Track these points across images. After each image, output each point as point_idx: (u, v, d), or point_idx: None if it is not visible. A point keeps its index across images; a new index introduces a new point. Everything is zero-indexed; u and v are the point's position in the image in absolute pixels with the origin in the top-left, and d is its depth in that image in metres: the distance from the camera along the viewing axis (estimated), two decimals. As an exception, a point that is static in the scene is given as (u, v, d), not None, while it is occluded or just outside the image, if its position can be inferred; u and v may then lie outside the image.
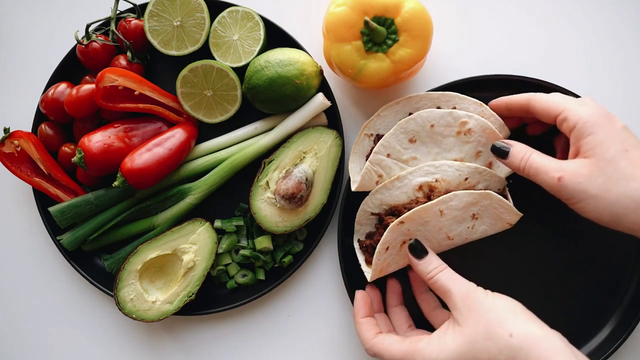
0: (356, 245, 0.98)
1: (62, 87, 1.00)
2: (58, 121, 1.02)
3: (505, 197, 0.95)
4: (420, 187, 0.93)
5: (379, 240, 0.91)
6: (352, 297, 0.97)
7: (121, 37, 0.99)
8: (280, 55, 0.96)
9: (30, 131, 1.02)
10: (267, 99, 0.96)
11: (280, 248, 1.01)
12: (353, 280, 0.99)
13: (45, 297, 1.06)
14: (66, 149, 1.01)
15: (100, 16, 1.03)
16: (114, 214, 1.00)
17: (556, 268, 0.99)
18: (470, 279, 0.85)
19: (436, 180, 0.93)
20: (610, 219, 0.80)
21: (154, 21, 0.99)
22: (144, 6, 1.01)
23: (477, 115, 0.94)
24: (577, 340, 0.98)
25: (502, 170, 0.96)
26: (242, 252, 1.00)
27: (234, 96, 1.00)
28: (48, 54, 1.06)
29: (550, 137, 0.96)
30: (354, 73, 0.93)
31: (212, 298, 1.02)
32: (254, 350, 1.03)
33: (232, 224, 1.01)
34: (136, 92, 0.98)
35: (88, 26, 1.00)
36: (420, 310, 0.96)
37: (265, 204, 0.98)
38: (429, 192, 0.93)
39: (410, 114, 0.97)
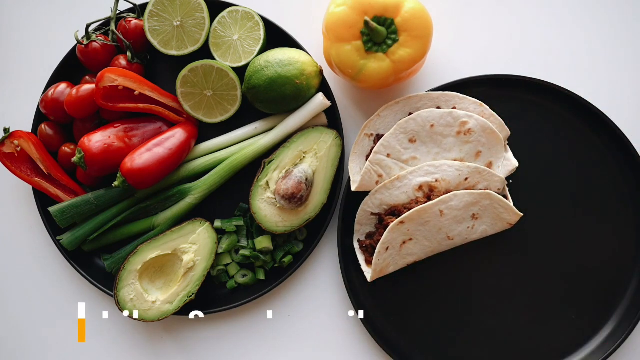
0: (356, 245, 0.98)
1: (62, 87, 1.00)
2: (58, 121, 1.02)
3: (505, 197, 0.95)
4: (420, 187, 0.93)
5: (379, 240, 0.92)
6: (352, 297, 0.97)
7: (121, 37, 0.99)
8: (280, 55, 0.96)
9: (30, 131, 1.02)
10: (267, 99, 0.96)
11: (280, 248, 1.01)
12: (353, 280, 0.99)
13: (45, 297, 1.06)
14: (66, 149, 1.01)
15: (100, 16, 1.03)
16: (114, 214, 1.00)
17: (556, 268, 0.99)
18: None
19: (436, 180, 0.93)
20: None
21: (154, 21, 0.99)
22: (144, 6, 1.01)
23: (477, 115, 0.95)
24: (577, 340, 0.98)
25: (502, 170, 0.96)
26: (242, 252, 1.00)
27: (234, 96, 1.00)
28: (48, 54, 1.06)
29: (550, 138, 0.96)
30: (354, 73, 0.93)
31: (212, 298, 1.02)
32: (253, 350, 1.03)
33: (232, 224, 1.01)
34: (136, 92, 0.98)
35: (88, 26, 1.00)
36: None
37: (265, 204, 0.98)
38: (429, 192, 0.93)
39: (410, 114, 0.97)
